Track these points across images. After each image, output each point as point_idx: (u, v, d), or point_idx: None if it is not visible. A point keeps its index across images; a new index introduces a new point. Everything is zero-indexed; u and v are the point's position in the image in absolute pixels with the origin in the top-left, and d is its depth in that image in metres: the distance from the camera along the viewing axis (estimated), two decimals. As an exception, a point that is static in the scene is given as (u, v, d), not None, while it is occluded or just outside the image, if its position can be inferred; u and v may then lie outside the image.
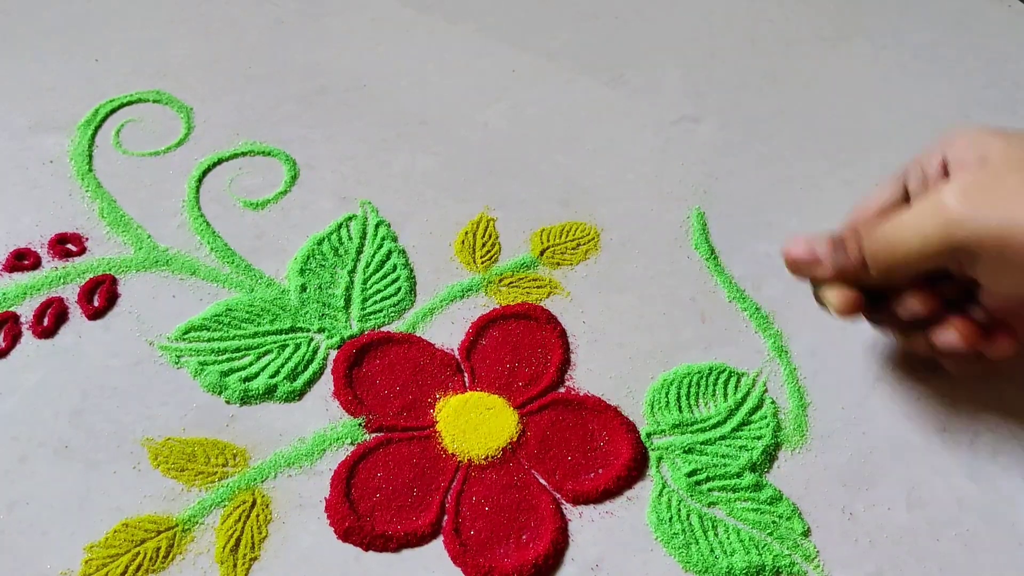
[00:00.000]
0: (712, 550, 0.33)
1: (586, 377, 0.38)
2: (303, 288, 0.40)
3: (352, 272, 0.41)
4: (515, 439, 0.36)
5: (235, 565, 0.32)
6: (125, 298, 0.39)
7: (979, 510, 0.35)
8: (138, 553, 0.32)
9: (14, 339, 0.37)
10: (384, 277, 0.41)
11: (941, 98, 0.51)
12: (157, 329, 0.38)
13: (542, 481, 0.35)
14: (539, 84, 0.51)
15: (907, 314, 0.34)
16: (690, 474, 0.35)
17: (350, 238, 0.42)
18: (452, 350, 0.38)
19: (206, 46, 0.52)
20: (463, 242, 0.42)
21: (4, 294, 0.39)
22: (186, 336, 0.38)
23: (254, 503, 0.33)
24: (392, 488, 0.34)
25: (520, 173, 0.46)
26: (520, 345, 0.38)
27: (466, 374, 0.38)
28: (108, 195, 0.43)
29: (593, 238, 0.43)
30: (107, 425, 0.35)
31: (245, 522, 0.33)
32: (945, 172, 0.34)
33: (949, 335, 0.34)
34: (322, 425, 0.36)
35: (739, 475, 0.35)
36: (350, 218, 0.43)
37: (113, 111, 0.48)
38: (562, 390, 0.37)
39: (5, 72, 0.50)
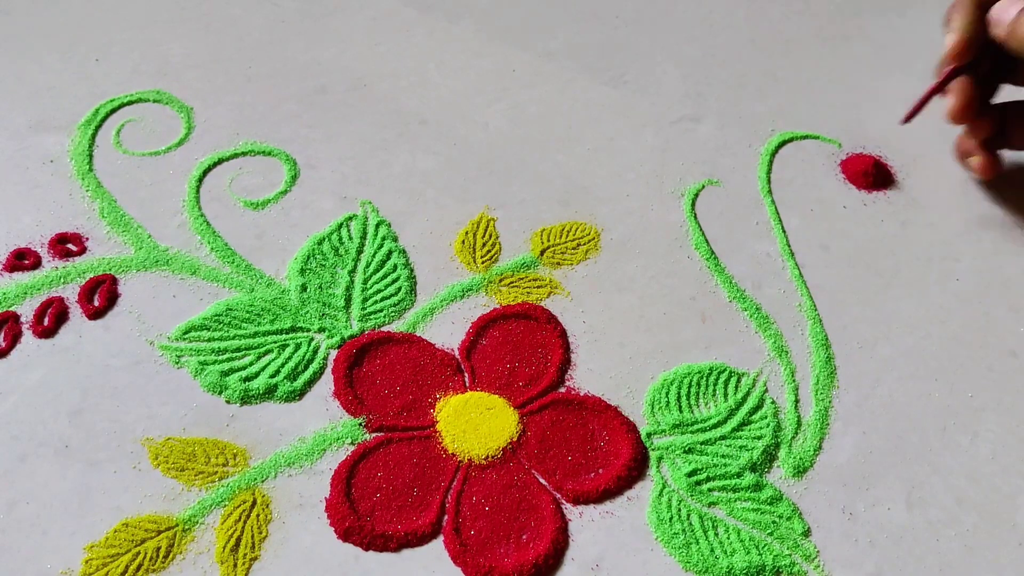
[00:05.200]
0: (712, 550, 0.33)
1: (586, 377, 0.38)
2: (303, 288, 0.40)
3: (352, 272, 0.41)
4: (515, 439, 0.36)
5: (235, 565, 0.32)
6: (125, 298, 0.39)
7: (979, 510, 0.35)
8: (138, 553, 0.32)
9: (14, 339, 0.38)
10: (384, 277, 0.41)
11: (940, 97, 0.51)
12: (157, 329, 0.38)
13: (542, 481, 0.35)
14: (539, 84, 0.51)
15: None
16: (690, 474, 0.35)
17: (350, 238, 0.42)
18: (452, 350, 0.38)
19: (206, 46, 0.52)
20: (463, 242, 0.42)
21: (4, 294, 0.39)
22: (186, 336, 0.38)
23: (254, 503, 0.33)
24: (392, 488, 0.34)
25: (520, 173, 0.46)
26: (520, 345, 0.38)
27: (466, 374, 0.38)
28: (108, 195, 0.43)
29: (593, 238, 0.43)
30: (107, 425, 0.35)
31: (245, 522, 0.33)
32: None
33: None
34: (322, 425, 0.36)
35: (739, 475, 0.35)
36: (350, 218, 0.43)
37: (113, 111, 0.48)
38: (562, 390, 0.37)
39: (5, 72, 0.50)
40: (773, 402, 0.37)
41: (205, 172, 0.45)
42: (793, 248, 0.43)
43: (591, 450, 0.35)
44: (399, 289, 0.40)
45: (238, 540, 0.32)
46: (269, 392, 0.36)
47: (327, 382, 0.37)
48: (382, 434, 0.36)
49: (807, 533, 0.34)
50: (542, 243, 0.43)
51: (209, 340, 0.38)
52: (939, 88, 0.44)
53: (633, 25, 0.56)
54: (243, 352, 0.37)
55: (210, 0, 0.55)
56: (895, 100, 0.50)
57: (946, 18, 0.43)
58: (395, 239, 0.42)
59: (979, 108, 0.43)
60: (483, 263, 0.42)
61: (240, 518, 0.33)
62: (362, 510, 0.33)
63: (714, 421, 0.37)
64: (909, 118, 0.45)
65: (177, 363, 0.37)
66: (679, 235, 0.44)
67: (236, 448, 0.35)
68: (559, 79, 0.52)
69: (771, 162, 0.47)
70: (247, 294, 0.40)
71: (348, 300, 0.40)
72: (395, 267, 0.41)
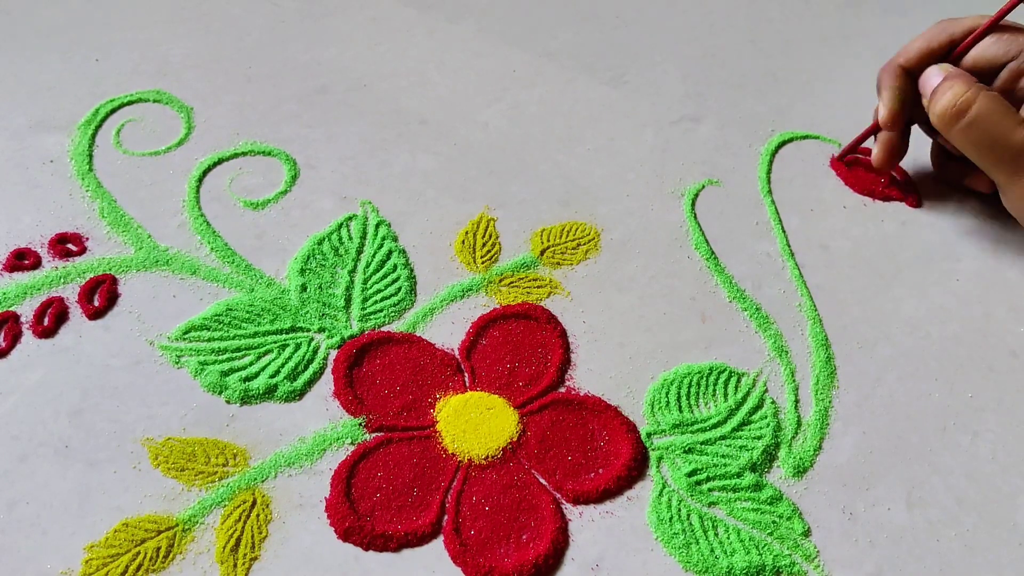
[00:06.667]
0: (712, 550, 0.33)
1: (586, 377, 0.38)
2: (303, 288, 0.40)
3: (352, 272, 0.41)
4: (515, 439, 0.36)
5: (235, 565, 0.32)
6: (125, 298, 0.39)
7: (979, 510, 0.35)
8: (138, 553, 0.32)
9: (14, 339, 0.38)
10: (384, 277, 0.41)
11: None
12: (157, 329, 0.38)
13: (542, 481, 0.35)
14: (539, 84, 0.51)
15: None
16: (690, 474, 0.35)
17: (350, 238, 0.42)
18: (452, 350, 0.38)
19: (206, 46, 0.52)
20: (463, 242, 0.42)
21: (4, 294, 0.39)
22: (186, 336, 0.38)
23: (254, 503, 0.33)
24: (392, 488, 0.34)
25: (520, 173, 0.46)
26: (520, 345, 0.38)
27: (466, 374, 0.38)
28: (108, 195, 0.43)
29: (593, 238, 0.43)
30: (107, 425, 0.35)
31: (245, 522, 0.33)
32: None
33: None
34: (322, 425, 0.36)
35: (739, 475, 0.35)
36: (350, 218, 0.43)
37: (113, 111, 0.48)
38: (562, 390, 0.37)
39: (5, 72, 0.50)
40: (773, 402, 0.37)
41: (205, 172, 0.45)
42: (793, 248, 0.43)
43: (591, 450, 0.35)
44: (399, 289, 0.40)
45: (238, 540, 0.32)
46: (269, 392, 0.36)
47: (327, 382, 0.37)
48: (382, 434, 0.36)
49: (807, 533, 0.34)
50: (542, 243, 0.43)
51: (209, 340, 0.38)
52: (866, 136, 0.46)
53: (633, 25, 0.56)
54: (243, 352, 0.37)
55: (210, 0, 0.55)
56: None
57: (877, 83, 0.44)
58: (395, 239, 0.42)
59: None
60: (483, 263, 0.42)
61: (240, 518, 0.33)
62: (362, 510, 0.33)
63: (714, 421, 0.37)
64: (842, 156, 0.47)
65: (177, 363, 0.37)
66: (679, 235, 0.44)
67: (236, 448, 0.35)
68: (559, 79, 0.52)
69: (771, 162, 0.47)
70: (247, 294, 0.40)
71: (348, 300, 0.40)
72: (395, 267, 0.41)
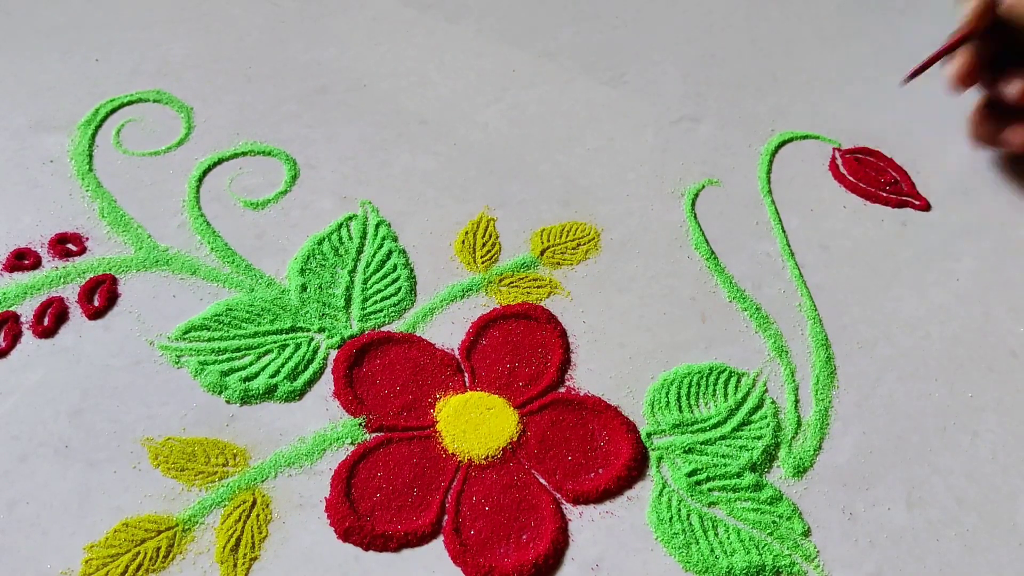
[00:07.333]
0: (712, 550, 0.33)
1: (586, 377, 0.38)
2: (303, 288, 0.40)
3: (352, 272, 0.41)
4: (515, 439, 0.36)
5: (235, 565, 0.32)
6: (125, 298, 0.39)
7: (979, 510, 0.35)
8: (138, 553, 0.32)
9: (14, 339, 0.38)
10: (384, 277, 0.41)
11: (940, 98, 0.51)
12: (157, 329, 0.38)
13: (542, 481, 0.35)
14: (539, 84, 0.51)
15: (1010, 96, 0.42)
16: (690, 474, 0.35)
17: (350, 238, 0.42)
18: (452, 350, 0.38)
19: (206, 46, 0.52)
20: (463, 242, 0.42)
21: (4, 294, 0.39)
22: (186, 336, 0.38)
23: (254, 503, 0.33)
24: (392, 488, 0.34)
25: (520, 173, 0.46)
26: (520, 345, 0.38)
27: (466, 374, 0.38)
28: (108, 195, 0.43)
29: (593, 238, 0.43)
30: (107, 425, 0.35)
31: (245, 522, 0.33)
32: None
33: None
34: (322, 425, 0.36)
35: (739, 475, 0.35)
36: (350, 218, 0.43)
37: (113, 111, 0.48)
38: (562, 390, 0.37)
39: (5, 72, 0.50)
40: (773, 402, 0.37)
41: (205, 172, 0.45)
42: (793, 248, 0.43)
43: (591, 450, 0.35)
44: (399, 289, 0.40)
45: (238, 540, 0.32)
46: (269, 392, 0.36)
47: (327, 382, 0.37)
48: (382, 434, 0.36)
49: (807, 533, 0.34)
50: (542, 243, 0.43)
51: (209, 340, 0.38)
52: (946, 51, 0.43)
53: (633, 25, 0.56)
54: (243, 352, 0.37)
55: (210, 0, 0.55)
56: (895, 100, 0.50)
57: None
58: (395, 239, 0.42)
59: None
60: (483, 263, 0.42)
61: (240, 518, 0.33)
62: (362, 510, 0.33)
63: (714, 421, 0.37)
64: (911, 77, 0.45)
65: (177, 363, 0.37)
66: (679, 235, 0.44)
67: (236, 448, 0.35)
68: (559, 79, 0.52)
69: (771, 162, 0.47)
70: (247, 294, 0.40)
71: (348, 300, 0.40)
72: (395, 267, 0.41)
